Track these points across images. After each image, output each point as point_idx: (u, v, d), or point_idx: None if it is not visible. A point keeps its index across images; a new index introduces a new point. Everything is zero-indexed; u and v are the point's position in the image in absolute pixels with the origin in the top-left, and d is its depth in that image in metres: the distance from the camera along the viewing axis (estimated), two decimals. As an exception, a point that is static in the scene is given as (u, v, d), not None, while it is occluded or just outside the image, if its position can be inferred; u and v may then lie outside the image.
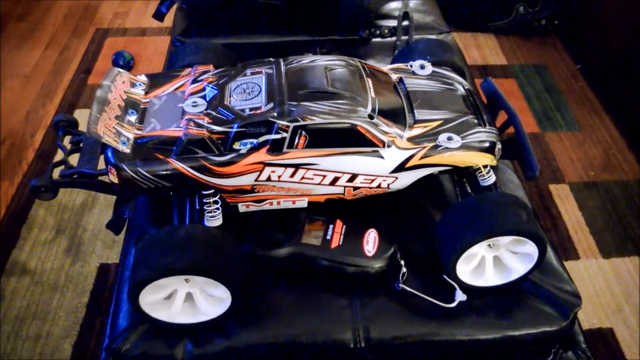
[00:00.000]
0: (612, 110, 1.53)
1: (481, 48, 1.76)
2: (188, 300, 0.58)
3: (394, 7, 1.10)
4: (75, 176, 0.61)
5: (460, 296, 0.60)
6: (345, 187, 0.62)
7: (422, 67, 0.70)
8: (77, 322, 1.08)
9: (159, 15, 1.09)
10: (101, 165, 0.62)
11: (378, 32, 1.04)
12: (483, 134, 0.62)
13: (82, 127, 0.67)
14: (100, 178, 0.62)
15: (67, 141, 0.66)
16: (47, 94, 1.58)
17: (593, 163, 1.40)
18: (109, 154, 0.58)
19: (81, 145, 0.64)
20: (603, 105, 1.55)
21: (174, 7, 1.10)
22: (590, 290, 1.11)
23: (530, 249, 0.59)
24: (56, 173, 0.62)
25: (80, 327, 1.07)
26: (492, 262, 0.61)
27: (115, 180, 0.58)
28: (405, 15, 1.06)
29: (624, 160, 1.40)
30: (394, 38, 1.04)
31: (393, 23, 1.06)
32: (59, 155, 0.63)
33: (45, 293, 1.12)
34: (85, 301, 1.11)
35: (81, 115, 0.71)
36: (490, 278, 0.62)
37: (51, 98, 1.57)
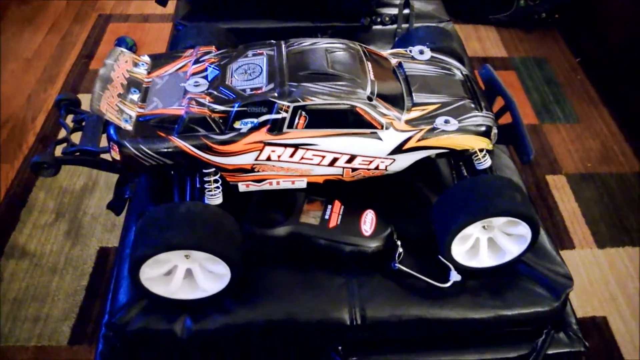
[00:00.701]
0: (610, 102, 1.54)
1: (482, 40, 1.76)
2: (188, 276, 0.59)
3: (395, -5, 1.11)
4: (78, 154, 0.62)
5: (454, 276, 0.62)
6: (343, 168, 0.63)
7: (421, 52, 0.71)
8: (76, 305, 1.09)
9: (161, 1, 1.09)
10: (103, 143, 0.63)
11: (379, 19, 1.05)
12: (480, 118, 0.63)
13: (84, 108, 0.67)
14: (102, 156, 0.63)
15: (69, 120, 0.67)
16: (48, 78, 1.58)
17: (590, 155, 1.40)
18: (112, 131, 0.59)
19: (83, 123, 0.65)
20: (602, 98, 1.56)
21: (177, -8, 1.11)
22: (585, 279, 1.12)
23: (524, 230, 0.60)
24: (58, 152, 0.63)
25: (79, 310, 1.08)
26: (486, 244, 0.62)
27: (117, 157, 0.59)
28: (406, 4, 1.06)
29: (622, 152, 1.41)
30: (394, 26, 1.05)
31: (394, 11, 1.06)
32: (60, 136, 0.63)
33: (44, 275, 1.13)
34: (84, 284, 1.12)
35: (83, 99, 0.72)
36: (485, 259, 0.63)
37: (53, 82, 1.57)
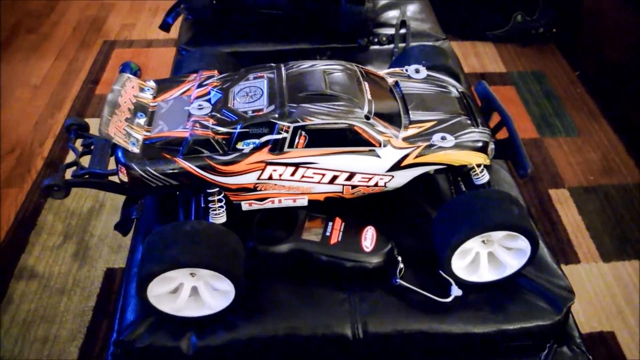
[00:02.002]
0: (610, 115, 1.55)
1: (480, 56, 1.78)
2: (193, 294, 0.60)
3: (391, 15, 1.13)
4: (87, 176, 0.64)
5: (455, 291, 0.62)
6: (343, 185, 0.64)
7: (417, 71, 0.73)
8: (84, 325, 1.09)
9: (165, 26, 1.13)
10: (111, 166, 0.65)
11: (376, 39, 1.07)
12: (476, 134, 0.65)
13: (93, 132, 0.69)
14: (110, 178, 0.64)
15: (78, 144, 0.69)
16: (55, 104, 1.62)
17: (592, 168, 1.41)
18: (119, 154, 0.61)
19: (92, 147, 0.67)
20: (601, 111, 1.57)
21: (180, 18, 1.14)
22: (590, 293, 1.11)
23: (523, 244, 0.61)
24: (68, 174, 0.65)
25: (86, 330, 1.08)
26: (486, 258, 0.63)
27: (125, 179, 0.61)
28: (403, 24, 1.09)
29: (623, 164, 1.41)
30: (391, 45, 1.07)
31: (391, 31, 1.09)
32: (69, 160, 0.65)
33: (53, 296, 1.14)
34: (92, 305, 1.13)
35: (89, 124, 0.74)
36: (485, 273, 0.63)
37: (60, 108, 1.60)
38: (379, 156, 0.62)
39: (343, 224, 0.65)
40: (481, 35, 1.80)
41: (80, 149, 0.67)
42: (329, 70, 0.65)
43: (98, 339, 1.08)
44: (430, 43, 1.05)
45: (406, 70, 0.73)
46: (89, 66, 1.75)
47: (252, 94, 0.63)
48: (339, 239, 0.64)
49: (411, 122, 0.64)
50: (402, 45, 1.06)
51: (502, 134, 0.69)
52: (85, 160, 0.66)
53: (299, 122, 0.59)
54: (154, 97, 0.67)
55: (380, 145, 0.62)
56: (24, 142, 1.50)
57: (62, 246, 1.24)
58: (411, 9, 1.16)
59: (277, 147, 0.60)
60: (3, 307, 1.12)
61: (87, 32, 1.91)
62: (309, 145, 0.60)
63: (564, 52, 1.78)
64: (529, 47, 1.80)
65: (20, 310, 1.12)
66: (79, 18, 1.97)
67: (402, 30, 1.07)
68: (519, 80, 1.69)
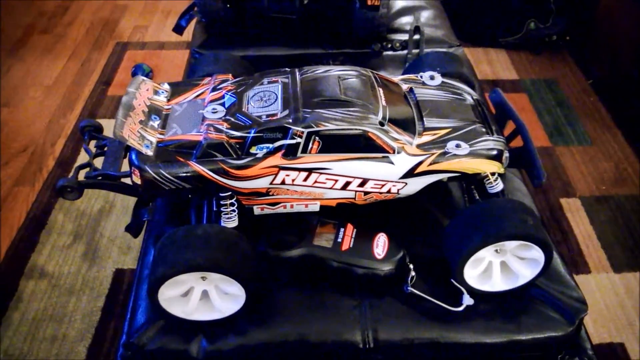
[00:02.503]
0: (623, 124, 1.53)
1: (492, 63, 1.77)
2: (204, 298, 0.60)
3: (405, 21, 1.13)
4: (100, 178, 0.64)
5: (467, 300, 0.62)
6: (356, 191, 0.64)
7: (432, 77, 0.72)
8: (92, 326, 1.10)
9: (178, 29, 1.13)
10: (124, 168, 0.65)
11: (390, 45, 1.07)
12: (491, 142, 0.64)
13: (106, 133, 0.70)
14: (123, 180, 0.65)
15: (92, 145, 0.69)
16: (68, 104, 1.63)
17: (604, 177, 1.39)
18: (133, 156, 0.61)
19: (105, 149, 0.67)
20: (614, 120, 1.56)
21: (193, 21, 1.14)
22: (601, 304, 1.10)
23: (537, 254, 0.60)
24: (81, 176, 0.65)
25: (95, 331, 1.09)
26: (499, 267, 0.63)
27: (138, 182, 0.61)
28: (417, 29, 1.08)
29: (635, 174, 1.39)
30: (405, 51, 1.07)
31: (404, 37, 1.09)
32: (81, 160, 0.66)
33: (62, 296, 1.15)
34: (100, 305, 1.13)
35: (103, 126, 0.76)
36: (497, 283, 0.63)
37: (72, 108, 1.62)
38: (392, 163, 0.62)
39: (355, 230, 0.65)
40: (494, 42, 1.80)
41: (93, 150, 0.67)
42: (343, 76, 0.65)
43: (106, 340, 1.08)
44: (444, 49, 1.05)
45: (421, 76, 0.73)
46: (101, 67, 1.77)
47: (266, 99, 0.63)
48: (351, 245, 0.63)
49: (425, 129, 0.64)
50: (415, 51, 1.05)
51: (515, 142, 0.69)
52: (99, 162, 0.67)
53: (313, 127, 0.59)
54: (168, 100, 0.68)
55: (394, 152, 0.62)
56: (36, 142, 1.51)
57: (72, 246, 1.25)
58: (425, 15, 1.15)
59: (290, 152, 0.60)
60: (13, 305, 1.13)
61: (100, 33, 1.92)
62: (322, 150, 0.60)
63: (577, 60, 1.77)
64: (542, 55, 1.79)
65: (29, 308, 1.13)
66: (92, 19, 1.99)
67: (416, 36, 1.07)
68: (532, 88, 1.68)
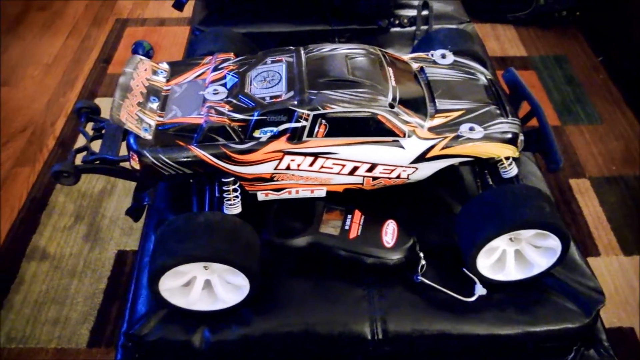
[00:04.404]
0: (634, 103, 1.50)
1: (500, 39, 1.73)
2: (207, 287, 0.58)
3: (413, -4, 1.09)
4: (97, 162, 0.62)
5: (480, 290, 0.60)
6: (364, 177, 0.62)
7: (444, 56, 0.69)
8: (95, 308, 1.09)
9: (178, 5, 1.09)
10: (122, 151, 0.62)
11: (397, 21, 1.03)
12: (505, 125, 0.61)
13: (104, 114, 0.67)
14: (121, 164, 0.62)
15: (89, 128, 0.67)
16: (67, 83, 1.60)
17: (614, 157, 1.37)
18: (131, 140, 0.58)
19: (103, 131, 0.65)
20: (625, 98, 1.52)
21: (194, -4, 1.10)
22: (611, 287, 1.09)
23: (553, 243, 0.58)
24: (78, 159, 0.63)
25: (97, 313, 1.08)
26: (513, 256, 0.60)
27: (137, 167, 0.59)
28: (425, 5, 1.04)
29: (647, 154, 1.37)
30: (413, 28, 1.03)
31: (412, 12, 1.05)
32: (80, 142, 0.63)
33: (64, 278, 1.14)
34: (102, 287, 1.12)
35: (101, 104, 0.73)
36: (512, 272, 0.61)
37: (72, 86, 1.59)
38: (402, 147, 0.59)
39: (363, 217, 0.63)
40: (502, 18, 1.75)
41: (91, 133, 0.65)
42: (351, 55, 0.62)
43: (109, 322, 1.08)
44: (454, 26, 1.01)
45: (432, 55, 0.69)
46: (101, 44, 1.73)
47: (270, 79, 0.60)
48: (359, 233, 0.61)
49: (437, 111, 0.61)
50: (424, 27, 1.01)
51: (530, 124, 0.66)
52: (96, 145, 0.64)
53: (319, 109, 0.56)
54: (168, 81, 0.64)
55: (404, 136, 0.59)
56: (36, 121, 1.49)
57: (74, 227, 1.24)
58: (433, -11, 1.11)
59: (295, 135, 0.57)
60: (15, 287, 1.13)
61: (99, 10, 1.88)
62: (329, 134, 0.58)
63: (587, 36, 1.72)
64: (551, 31, 1.74)
65: (31, 290, 1.12)
66: (90, -5, 1.94)
67: (424, 12, 1.03)
68: (540, 64, 1.64)
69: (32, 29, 1.80)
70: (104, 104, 0.57)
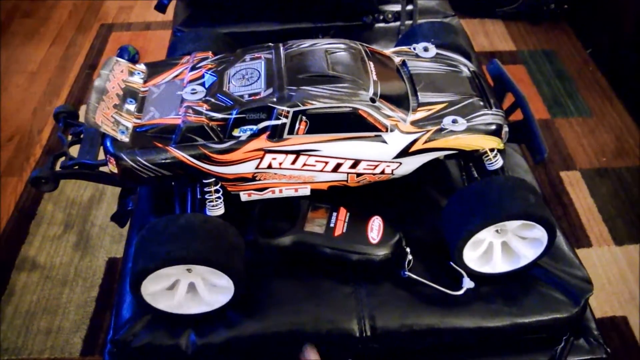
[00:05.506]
0: (624, 95, 1.50)
1: (489, 34, 1.73)
2: (191, 290, 0.58)
3: (397, -9, 1.08)
4: (76, 167, 0.61)
5: (467, 283, 0.59)
6: (348, 173, 0.61)
7: (426, 49, 0.68)
8: (87, 317, 1.08)
9: (160, 7, 1.08)
10: (102, 155, 0.61)
11: (382, 17, 1.03)
12: (489, 117, 0.61)
13: (82, 120, 0.66)
14: (101, 169, 0.61)
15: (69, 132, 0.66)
16: (53, 90, 1.59)
17: (605, 149, 1.37)
18: (108, 144, 0.57)
19: (82, 136, 0.64)
20: (615, 91, 1.52)
21: (176, -3, 1.10)
22: (603, 278, 1.09)
23: (539, 233, 0.57)
24: (58, 166, 0.62)
25: (90, 322, 1.07)
26: (500, 248, 0.60)
27: (115, 170, 0.58)
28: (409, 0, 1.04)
29: (636, 145, 1.37)
30: (397, 23, 1.02)
31: (397, 8, 1.04)
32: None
33: (55, 288, 1.13)
34: (94, 295, 1.11)
35: (79, 112, 0.72)
36: (498, 264, 0.60)
37: (57, 94, 1.57)
38: (385, 142, 0.58)
39: (348, 214, 0.62)
40: (490, 12, 1.75)
41: (69, 138, 0.64)
42: (331, 50, 0.61)
43: (102, 330, 1.07)
44: (438, 20, 1.00)
45: (414, 48, 0.69)
46: (86, 51, 1.72)
47: (248, 77, 0.59)
48: (344, 230, 0.60)
49: (420, 105, 0.60)
50: (408, 22, 1.01)
51: (515, 116, 0.65)
52: (75, 150, 0.63)
53: (299, 106, 0.56)
54: (145, 82, 0.64)
55: (386, 130, 0.58)
56: (22, 130, 1.48)
57: (63, 236, 1.22)
58: (418, -16, 1.10)
59: (276, 133, 0.56)
60: (5, 298, 1.11)
61: (84, 16, 1.86)
62: (310, 131, 0.57)
63: (576, 29, 1.72)
64: (540, 25, 1.75)
65: (22, 301, 1.11)
66: (75, 1, 1.93)
67: (409, 7, 1.02)
68: (530, 59, 1.64)
69: (16, 36, 1.79)
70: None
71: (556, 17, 1.74)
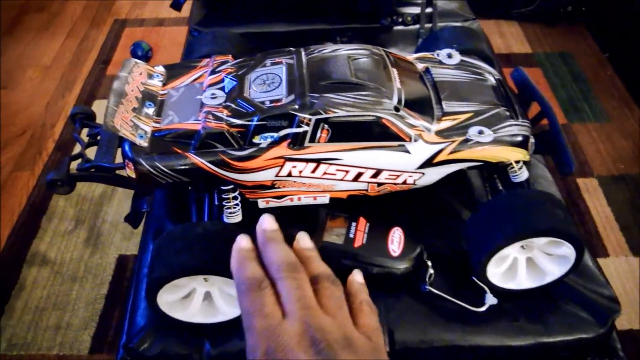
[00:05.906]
0: (642, 100, 1.48)
1: (504, 36, 1.70)
2: (207, 300, 0.56)
3: (416, -7, 1.06)
4: (93, 170, 0.60)
5: (490, 300, 0.57)
6: (369, 183, 0.59)
7: (450, 56, 0.66)
8: (96, 314, 1.08)
9: (176, 5, 1.07)
10: (119, 158, 0.60)
11: (400, 19, 1.01)
12: (515, 127, 0.59)
13: (100, 119, 0.65)
14: (117, 172, 0.60)
15: (85, 134, 0.65)
16: (66, 85, 1.59)
17: (622, 156, 1.34)
18: (126, 148, 0.56)
19: (98, 138, 0.62)
20: (633, 95, 1.49)
21: (192, -5, 1.08)
22: (619, 289, 1.07)
23: (567, 250, 0.56)
24: (74, 166, 0.61)
25: (99, 319, 1.07)
26: (525, 264, 0.58)
27: (133, 175, 0.56)
28: (429, 2, 1.02)
29: (656, 152, 1.35)
30: (417, 26, 1.00)
31: (416, 10, 1.02)
32: (78, 147, 0.61)
33: (65, 284, 1.13)
34: (104, 292, 1.11)
35: (100, 106, 0.71)
36: (523, 281, 0.58)
37: (70, 89, 1.57)
38: (408, 152, 0.57)
39: (368, 224, 0.60)
40: (506, 14, 1.72)
41: (86, 139, 0.63)
42: (354, 56, 0.59)
43: (111, 328, 1.07)
44: (459, 24, 0.98)
45: (437, 54, 0.67)
46: (99, 45, 1.71)
47: (269, 82, 0.58)
48: (364, 242, 0.59)
49: (444, 114, 0.59)
50: (428, 25, 0.99)
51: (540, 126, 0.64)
52: (92, 152, 0.62)
53: (321, 114, 0.54)
54: (164, 85, 0.62)
55: (410, 140, 0.56)
56: (35, 124, 1.48)
57: (74, 232, 1.22)
58: (437, -14, 1.08)
59: (297, 141, 0.55)
60: (15, 293, 1.11)
61: (98, 11, 1.86)
62: (332, 139, 0.55)
63: (593, 32, 1.69)
64: (557, 27, 1.72)
65: (32, 296, 1.11)
66: (88, -4, 1.93)
67: (428, 9, 1.00)
68: (546, 61, 1.62)
69: (30, 30, 1.78)
70: (103, 106, 0.55)
71: (573, 19, 1.71)
